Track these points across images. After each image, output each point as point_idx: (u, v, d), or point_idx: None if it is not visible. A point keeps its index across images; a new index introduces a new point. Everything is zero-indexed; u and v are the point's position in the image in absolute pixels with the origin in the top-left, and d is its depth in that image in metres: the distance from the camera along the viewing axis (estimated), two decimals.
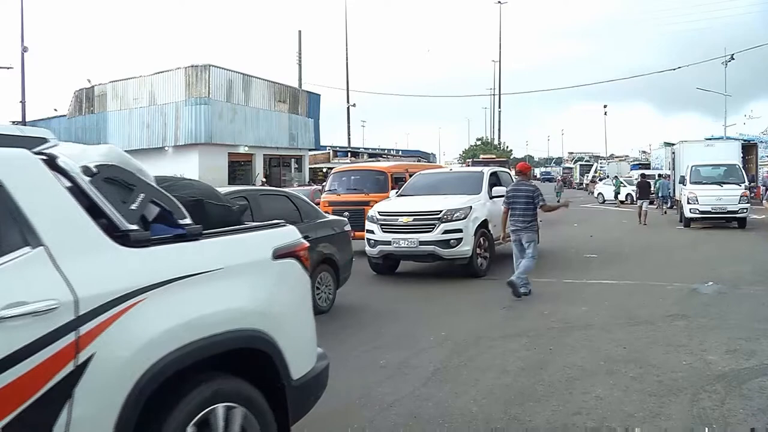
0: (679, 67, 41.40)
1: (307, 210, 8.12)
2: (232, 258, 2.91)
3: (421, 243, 9.95)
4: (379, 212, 10.51)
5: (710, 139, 32.48)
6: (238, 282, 2.87)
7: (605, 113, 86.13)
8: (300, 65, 37.92)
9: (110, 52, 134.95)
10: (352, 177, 14.89)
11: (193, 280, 2.66)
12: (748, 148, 29.31)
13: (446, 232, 9.87)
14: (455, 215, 9.95)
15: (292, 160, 35.69)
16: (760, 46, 42.07)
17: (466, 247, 9.94)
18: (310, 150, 36.99)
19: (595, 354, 5.79)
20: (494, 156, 45.46)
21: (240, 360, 2.86)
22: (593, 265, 11.40)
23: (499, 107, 63.27)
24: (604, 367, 5.40)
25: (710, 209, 18.05)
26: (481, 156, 44.38)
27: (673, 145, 30.38)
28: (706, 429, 4.06)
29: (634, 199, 24.82)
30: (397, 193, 11.78)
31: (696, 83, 48.44)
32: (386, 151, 50.86)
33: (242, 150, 30.49)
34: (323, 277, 7.84)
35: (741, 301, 8.03)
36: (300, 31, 39.19)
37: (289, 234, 3.34)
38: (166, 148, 29.06)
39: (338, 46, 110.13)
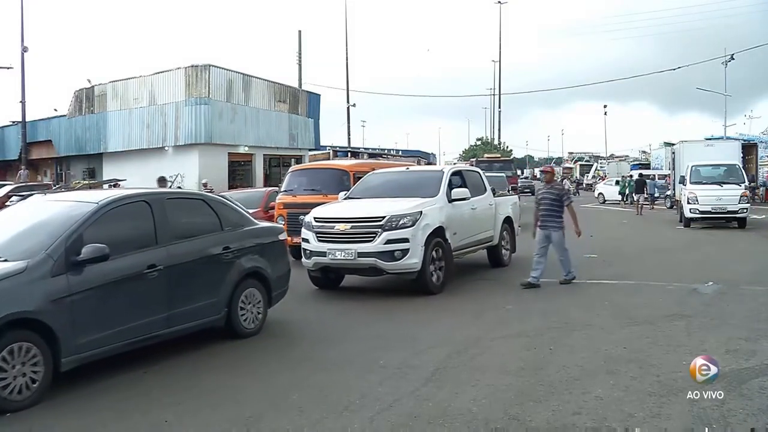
0: (679, 67, 41.29)
1: (230, 217, 6.99)
2: None
3: (360, 254, 8.52)
4: (315, 218, 9.09)
5: (710, 139, 32.52)
6: None
7: (605, 113, 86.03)
8: (300, 65, 37.92)
9: (110, 52, 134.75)
10: (311, 176, 13.17)
11: None
12: (748, 148, 29.36)
13: (389, 242, 8.45)
14: (401, 222, 8.53)
15: (293, 160, 35.60)
16: (760, 46, 42.07)
17: (413, 260, 8.52)
18: (310, 150, 36.94)
19: (595, 354, 5.79)
20: (499, 155, 45.27)
21: None
22: (593, 265, 11.38)
23: (499, 107, 63.29)
24: (604, 367, 5.40)
25: (710, 209, 18.05)
26: (485, 155, 44.10)
27: (673, 145, 30.44)
28: (706, 429, 4.06)
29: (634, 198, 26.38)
30: (345, 195, 10.37)
31: (696, 83, 48.34)
32: (386, 151, 50.77)
33: (242, 150, 30.48)
34: (250, 294, 6.83)
35: (741, 301, 8.04)
36: (300, 31, 39.16)
37: None
38: (166, 148, 29.04)
39: (338, 46, 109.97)
